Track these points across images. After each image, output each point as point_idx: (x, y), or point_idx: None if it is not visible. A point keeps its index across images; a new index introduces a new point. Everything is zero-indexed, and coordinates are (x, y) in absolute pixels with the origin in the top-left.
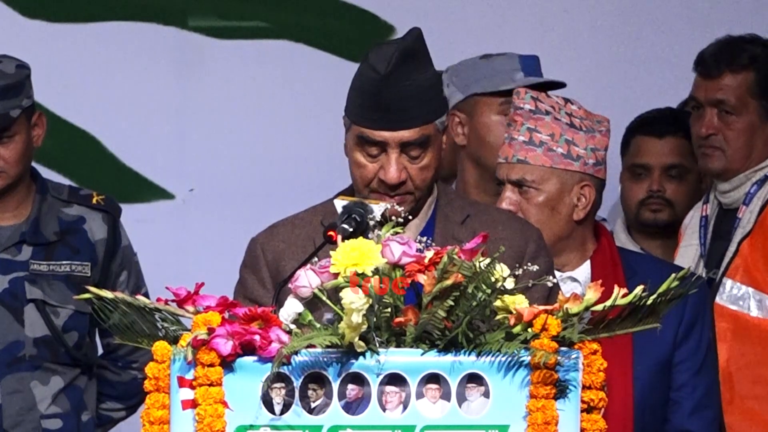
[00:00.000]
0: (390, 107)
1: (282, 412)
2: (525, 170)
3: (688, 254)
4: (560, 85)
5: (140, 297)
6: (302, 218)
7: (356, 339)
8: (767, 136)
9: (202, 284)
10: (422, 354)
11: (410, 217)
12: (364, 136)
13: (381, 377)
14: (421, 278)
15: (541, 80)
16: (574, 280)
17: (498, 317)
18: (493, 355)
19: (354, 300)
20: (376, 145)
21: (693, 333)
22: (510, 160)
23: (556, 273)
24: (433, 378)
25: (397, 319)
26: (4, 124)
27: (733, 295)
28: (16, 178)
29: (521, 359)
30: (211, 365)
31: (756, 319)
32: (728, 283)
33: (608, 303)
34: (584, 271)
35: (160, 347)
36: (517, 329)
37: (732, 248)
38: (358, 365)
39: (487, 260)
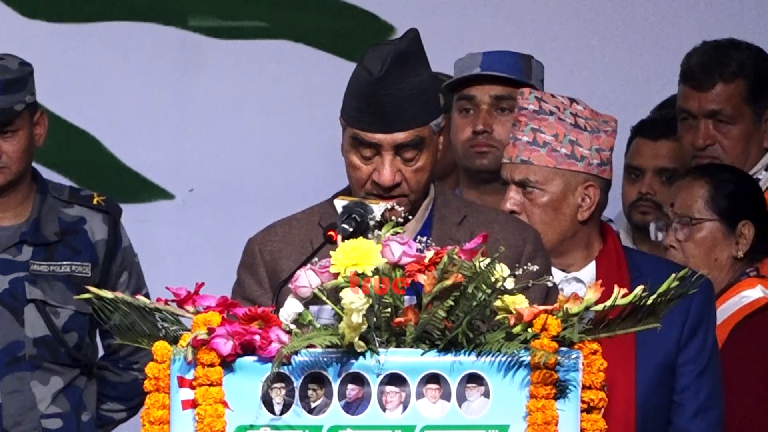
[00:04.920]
0: (384, 109)
1: (282, 412)
2: (529, 171)
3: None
4: (516, 82)
5: (140, 297)
6: (299, 219)
7: (356, 339)
8: (760, 141)
9: (202, 284)
10: (422, 354)
11: (410, 217)
12: (358, 138)
13: (381, 377)
14: (421, 278)
15: (479, 73)
16: (579, 280)
17: (498, 317)
18: (493, 355)
19: (354, 300)
20: (370, 147)
21: (698, 334)
22: (514, 161)
23: (561, 273)
24: (433, 378)
25: (397, 319)
26: (8, 117)
27: None
28: (17, 175)
29: (521, 359)
30: (211, 365)
31: None
32: None
33: (608, 303)
34: (589, 271)
35: (160, 347)
36: (517, 329)
37: None
38: (358, 365)
39: (487, 260)
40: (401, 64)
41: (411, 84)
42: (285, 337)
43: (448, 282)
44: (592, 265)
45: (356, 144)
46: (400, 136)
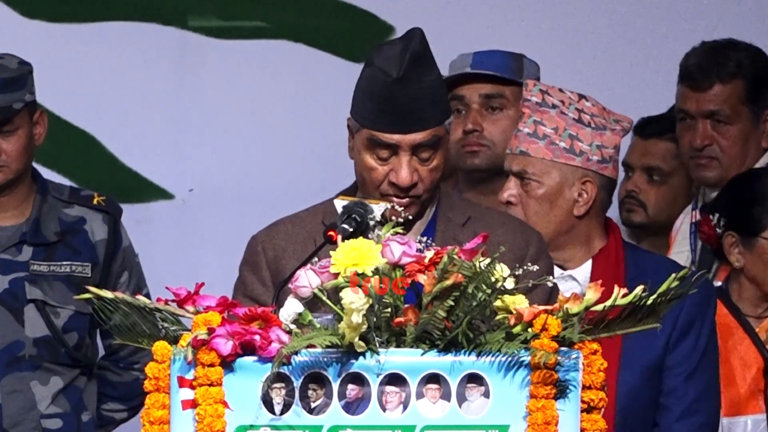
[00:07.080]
0: (403, 110)
1: (282, 412)
2: (526, 162)
3: (679, 261)
4: (493, 77)
5: (140, 297)
6: (303, 217)
7: (356, 339)
8: (759, 141)
9: (202, 284)
10: (422, 354)
11: (410, 217)
12: (375, 139)
13: (381, 377)
14: (421, 278)
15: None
16: (573, 279)
17: (498, 317)
18: (493, 355)
19: (354, 300)
20: (388, 147)
21: (688, 336)
22: (514, 151)
23: (558, 269)
24: (433, 378)
25: (397, 319)
26: (7, 116)
27: None
28: (17, 174)
29: (521, 359)
30: (211, 365)
31: None
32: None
33: (608, 303)
34: (585, 270)
35: (160, 347)
36: (517, 329)
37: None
38: (358, 365)
39: (487, 260)
40: (418, 64)
41: (427, 84)
42: (285, 337)
43: (448, 282)
44: (589, 263)
45: (372, 145)
46: (419, 137)
